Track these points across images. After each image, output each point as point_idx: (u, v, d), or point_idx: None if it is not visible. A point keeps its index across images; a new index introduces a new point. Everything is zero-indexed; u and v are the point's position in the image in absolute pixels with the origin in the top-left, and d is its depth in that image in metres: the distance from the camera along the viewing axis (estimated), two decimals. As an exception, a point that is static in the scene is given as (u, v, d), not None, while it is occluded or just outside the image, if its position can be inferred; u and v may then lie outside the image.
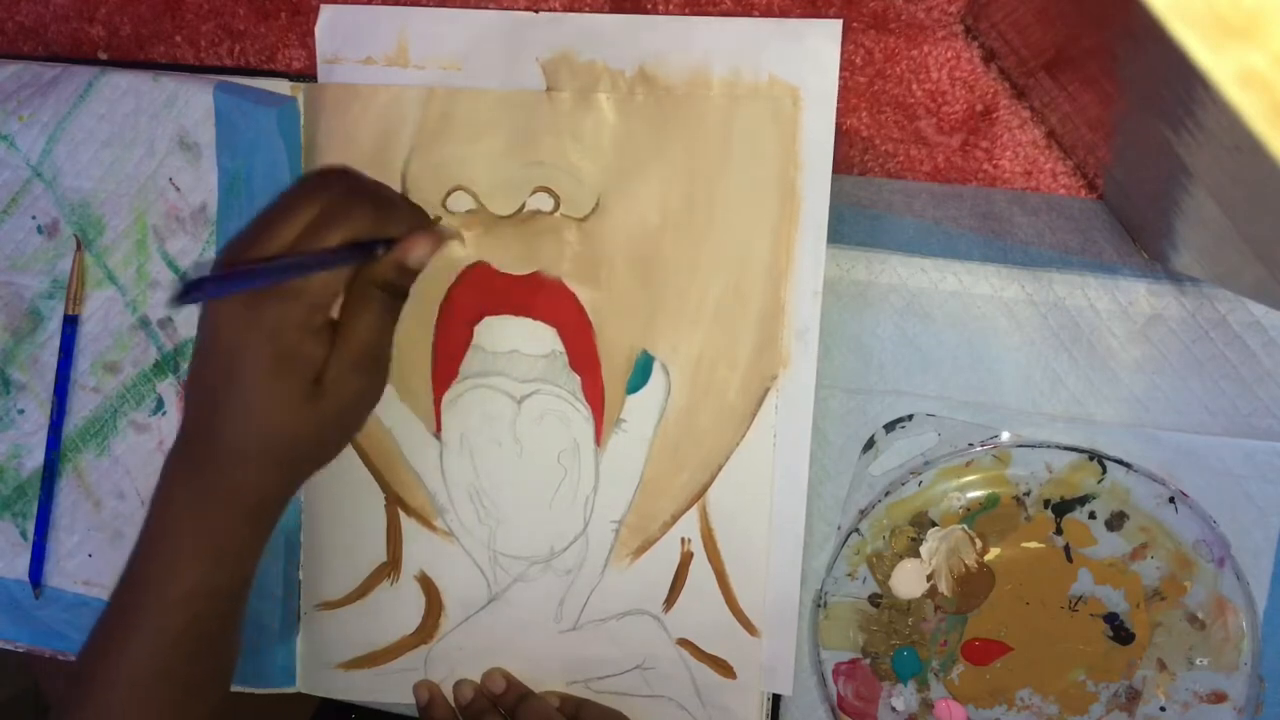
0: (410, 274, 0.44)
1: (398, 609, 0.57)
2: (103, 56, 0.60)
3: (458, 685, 0.57)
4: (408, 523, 0.56)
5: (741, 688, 0.54)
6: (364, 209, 0.42)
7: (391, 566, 0.57)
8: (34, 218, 0.59)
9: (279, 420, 0.41)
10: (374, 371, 0.43)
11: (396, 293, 0.44)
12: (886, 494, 0.52)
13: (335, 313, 0.43)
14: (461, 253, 0.49)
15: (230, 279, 0.40)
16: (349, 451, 0.56)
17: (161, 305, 0.58)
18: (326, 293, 0.41)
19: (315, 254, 0.40)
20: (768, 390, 0.51)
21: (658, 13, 0.52)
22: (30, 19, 0.61)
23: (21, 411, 0.60)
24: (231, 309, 0.40)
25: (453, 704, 0.57)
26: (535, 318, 0.53)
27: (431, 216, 0.46)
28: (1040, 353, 0.50)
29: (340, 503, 0.57)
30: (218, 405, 0.41)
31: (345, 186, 0.43)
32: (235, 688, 0.57)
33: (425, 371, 0.55)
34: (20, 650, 0.62)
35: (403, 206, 0.44)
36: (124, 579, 0.44)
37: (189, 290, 0.39)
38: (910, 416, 0.52)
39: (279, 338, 0.40)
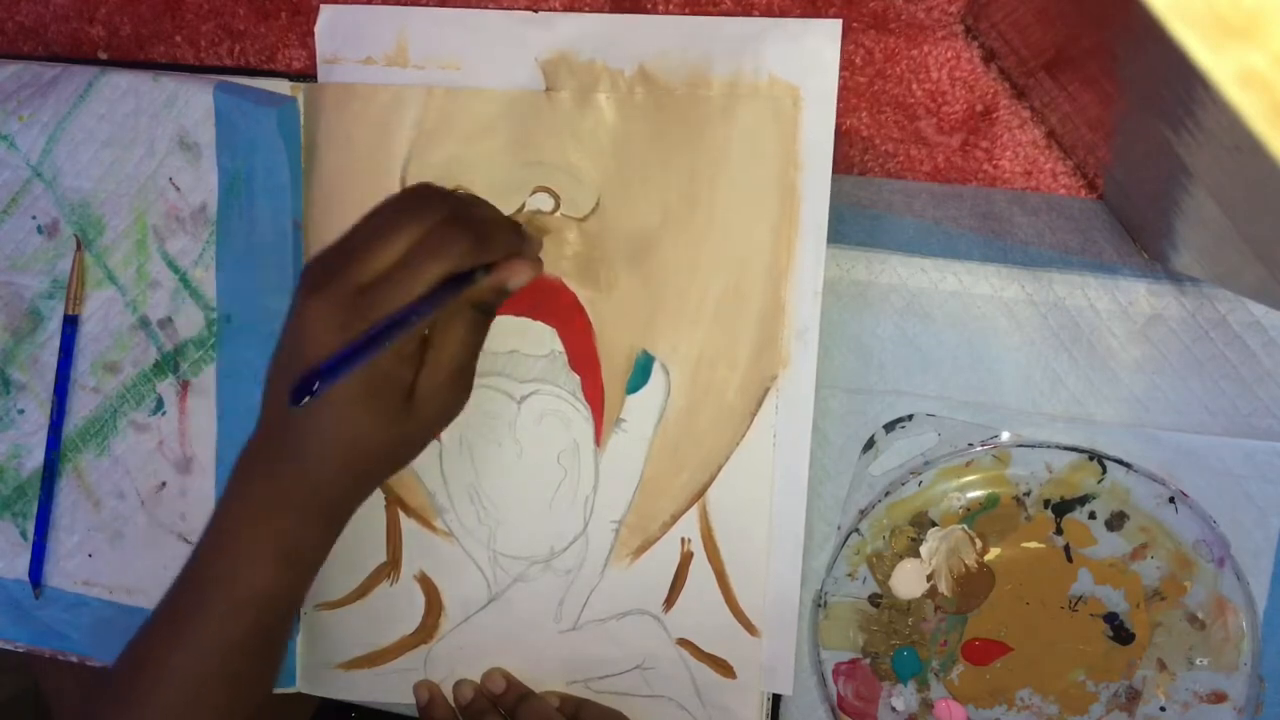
0: (505, 295, 0.43)
1: (398, 609, 0.57)
2: (103, 56, 0.60)
3: (458, 685, 0.57)
4: (407, 523, 0.56)
5: (741, 688, 0.54)
6: (465, 237, 0.41)
7: (391, 566, 0.57)
8: (34, 218, 0.59)
9: (367, 436, 0.41)
10: (462, 387, 0.43)
11: (489, 311, 0.43)
12: (886, 494, 0.52)
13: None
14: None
15: (346, 359, 0.38)
16: None
17: (162, 305, 0.58)
18: (421, 322, 0.40)
19: (419, 304, 0.39)
20: (768, 390, 0.51)
21: (657, 12, 0.52)
22: (30, 19, 0.61)
23: (21, 411, 0.60)
24: (325, 325, 0.39)
25: (453, 704, 0.57)
26: (535, 318, 0.53)
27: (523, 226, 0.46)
28: (1040, 353, 0.50)
29: None
30: (304, 419, 0.41)
31: (448, 211, 0.42)
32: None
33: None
34: (20, 650, 0.62)
35: (503, 228, 0.43)
36: (186, 576, 0.44)
37: (304, 390, 0.37)
38: (910, 416, 0.52)
39: (372, 367, 0.39)
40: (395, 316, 0.39)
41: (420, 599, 0.57)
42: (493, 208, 0.44)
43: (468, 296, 0.41)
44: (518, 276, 0.42)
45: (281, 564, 0.43)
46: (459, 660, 0.57)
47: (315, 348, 0.39)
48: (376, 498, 0.56)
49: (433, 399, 0.42)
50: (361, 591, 0.57)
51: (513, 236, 0.43)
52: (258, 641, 0.44)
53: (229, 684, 0.44)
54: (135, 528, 0.59)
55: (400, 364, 0.41)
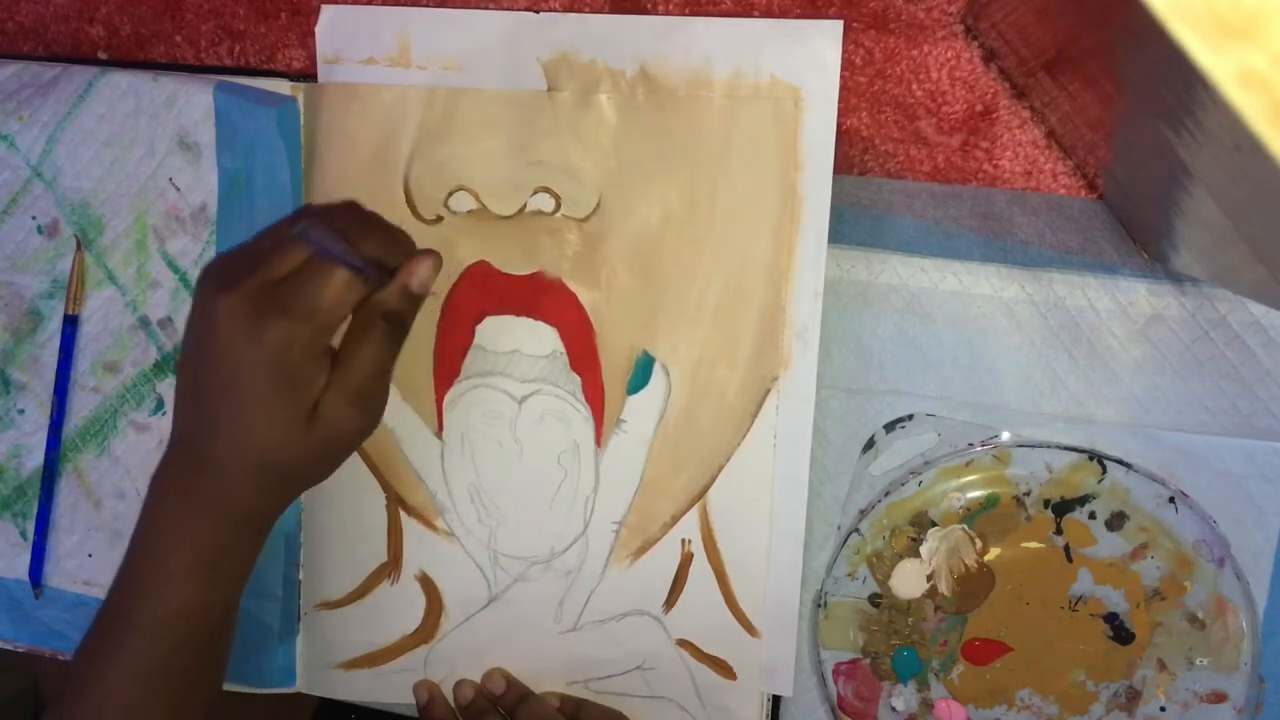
0: (414, 303, 0.43)
1: (398, 609, 0.57)
2: (103, 56, 0.60)
3: (458, 685, 0.57)
4: (408, 522, 0.56)
5: (742, 688, 0.54)
6: (371, 233, 0.41)
7: (392, 566, 0.57)
8: (34, 218, 0.59)
9: (273, 441, 0.41)
10: (371, 406, 0.43)
11: (399, 324, 0.43)
12: (886, 494, 0.52)
13: (335, 341, 0.42)
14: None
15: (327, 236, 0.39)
16: None
17: (162, 305, 0.58)
18: (335, 316, 0.40)
19: (354, 254, 0.40)
20: (768, 390, 0.51)
21: (658, 13, 0.52)
22: (30, 19, 0.61)
23: (21, 411, 0.60)
24: (236, 321, 0.39)
25: (453, 704, 0.57)
26: (536, 318, 0.53)
27: (434, 217, 0.46)
28: (1040, 353, 0.50)
29: (341, 502, 0.57)
30: (211, 417, 0.41)
31: (349, 215, 0.42)
32: (236, 688, 0.57)
33: (427, 370, 0.55)
34: (21, 650, 0.62)
35: (401, 233, 0.44)
36: (114, 592, 0.44)
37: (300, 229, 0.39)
38: (910, 416, 0.52)
39: (283, 356, 0.39)
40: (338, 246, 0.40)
41: (421, 599, 0.57)
42: (381, 217, 0.44)
43: (376, 304, 0.41)
44: (422, 272, 0.42)
45: (204, 576, 0.43)
46: (459, 660, 0.57)
47: (230, 345, 0.39)
48: (377, 497, 0.56)
49: (339, 412, 0.41)
50: (362, 591, 0.57)
51: (409, 240, 0.43)
52: (185, 657, 0.43)
53: (163, 699, 0.43)
54: (135, 528, 0.59)
55: (309, 362, 0.40)
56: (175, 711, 0.44)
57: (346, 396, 0.41)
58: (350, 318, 0.42)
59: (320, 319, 0.40)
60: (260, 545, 0.45)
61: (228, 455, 0.41)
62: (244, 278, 0.40)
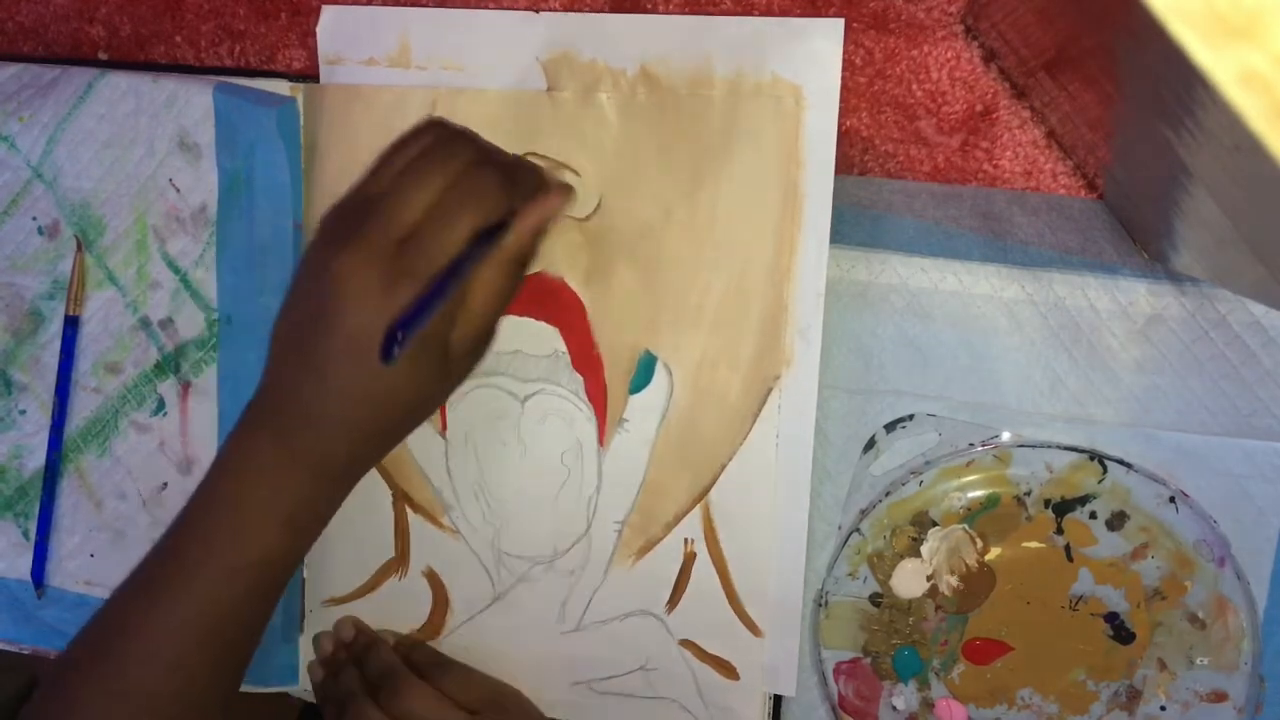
0: (538, 240, 0.41)
1: (405, 604, 0.57)
2: (103, 57, 0.60)
3: (318, 637, 0.57)
4: (415, 519, 0.56)
5: (744, 688, 0.54)
6: (495, 181, 0.39)
7: (400, 562, 0.57)
8: (34, 218, 0.59)
9: (404, 396, 0.40)
10: (491, 336, 0.42)
11: (522, 262, 0.41)
12: (887, 494, 0.52)
13: None
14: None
15: (423, 310, 0.38)
16: None
17: (162, 306, 0.58)
18: (471, 271, 0.39)
19: (467, 252, 0.38)
20: (770, 390, 0.51)
21: (658, 12, 0.52)
22: (30, 19, 0.61)
23: (23, 412, 0.60)
24: (361, 284, 0.37)
25: (319, 657, 0.57)
26: (538, 318, 0.53)
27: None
28: (1040, 353, 0.50)
29: (347, 499, 0.57)
30: (328, 379, 0.39)
31: (473, 153, 0.40)
32: (237, 687, 0.57)
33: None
34: (25, 651, 0.62)
35: (524, 167, 0.42)
36: (173, 540, 0.42)
37: (392, 346, 0.37)
38: (911, 416, 0.52)
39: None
40: (450, 267, 0.38)
41: (428, 595, 0.57)
42: (502, 150, 0.42)
43: (506, 249, 0.40)
44: (551, 208, 0.40)
45: (287, 528, 0.41)
46: (464, 659, 0.57)
47: (359, 306, 0.37)
48: (384, 494, 0.56)
49: (467, 353, 0.41)
50: (370, 586, 0.57)
51: (532, 170, 0.42)
52: (250, 608, 0.42)
53: (214, 652, 0.42)
54: (137, 528, 0.59)
55: (443, 322, 0.39)
56: (221, 669, 0.43)
57: (471, 339, 0.40)
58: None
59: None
60: (342, 500, 0.43)
61: (336, 413, 0.40)
62: (365, 232, 0.38)
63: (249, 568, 0.41)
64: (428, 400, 0.42)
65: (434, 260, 0.38)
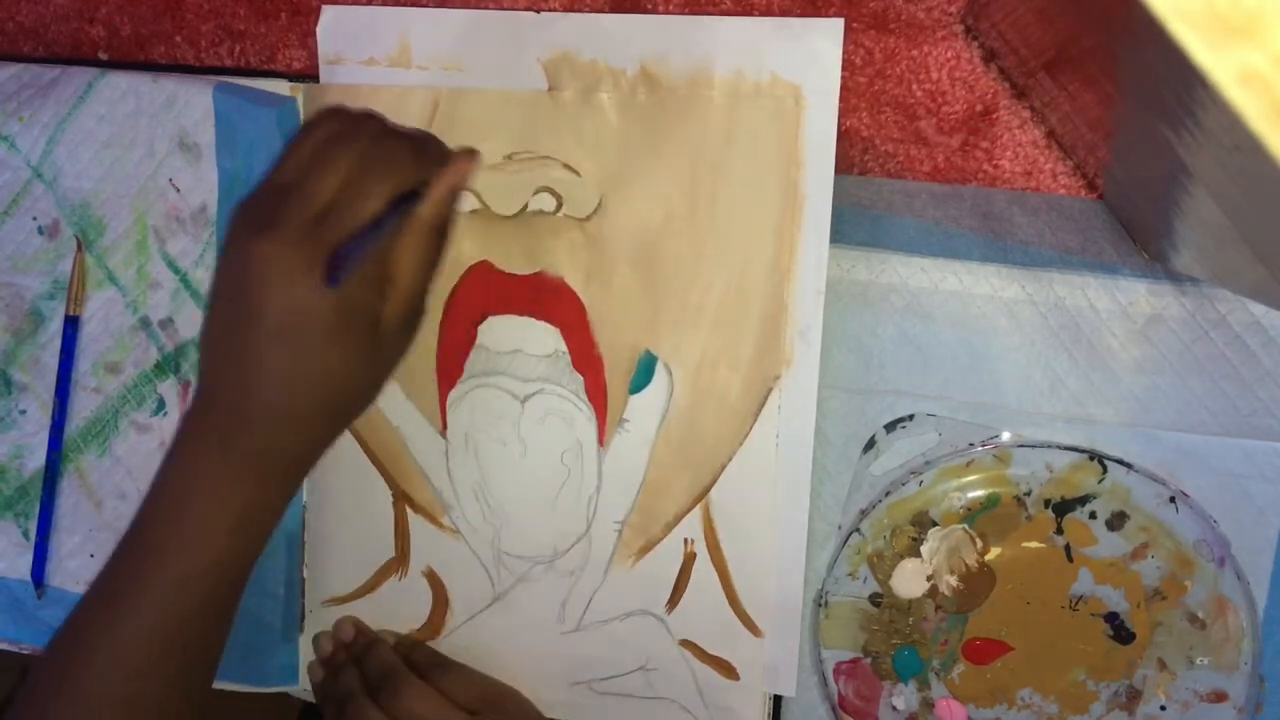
0: (452, 208, 0.41)
1: (406, 604, 0.57)
2: (103, 57, 0.60)
3: (318, 638, 0.57)
4: (415, 519, 0.56)
5: (744, 689, 0.54)
6: (403, 149, 0.40)
7: (400, 561, 0.57)
8: (35, 218, 0.59)
9: (341, 376, 0.39)
10: (419, 318, 0.42)
11: (441, 231, 0.41)
12: (887, 494, 0.52)
13: None
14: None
15: (353, 254, 0.38)
16: (355, 448, 0.56)
17: (162, 306, 0.58)
18: (384, 244, 0.39)
19: (388, 216, 0.39)
20: (770, 390, 0.51)
21: (658, 12, 0.52)
22: (30, 19, 0.61)
23: (23, 412, 0.60)
24: (283, 266, 0.37)
25: (319, 657, 0.57)
26: (538, 318, 0.53)
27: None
28: (1040, 353, 0.50)
29: (347, 499, 0.57)
30: (258, 368, 0.39)
31: (376, 128, 0.41)
32: (237, 687, 0.57)
33: (430, 370, 0.55)
34: (25, 652, 0.62)
35: (428, 138, 0.42)
36: (126, 550, 0.42)
37: (334, 275, 0.37)
38: (911, 416, 0.52)
39: (347, 294, 0.38)
40: (377, 227, 0.38)
41: (428, 594, 0.57)
42: (415, 127, 0.42)
43: (422, 216, 0.40)
44: (462, 173, 0.40)
45: (234, 531, 0.41)
46: (464, 659, 0.57)
47: (284, 286, 0.37)
48: (384, 494, 0.56)
49: (399, 329, 0.40)
50: (371, 586, 0.57)
51: (438, 143, 0.42)
52: (207, 613, 0.42)
53: (175, 660, 0.42)
54: (136, 528, 0.59)
55: (370, 291, 0.39)
56: (186, 674, 0.43)
57: (400, 318, 0.40)
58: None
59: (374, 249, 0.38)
60: (291, 495, 0.43)
61: (275, 403, 0.39)
62: (280, 217, 0.38)
63: (200, 574, 0.41)
64: (365, 381, 0.41)
65: (348, 231, 0.38)
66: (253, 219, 0.39)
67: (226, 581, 0.42)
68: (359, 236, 0.38)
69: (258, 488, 0.41)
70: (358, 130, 0.40)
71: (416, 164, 0.40)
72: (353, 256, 0.38)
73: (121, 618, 0.41)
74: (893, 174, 0.52)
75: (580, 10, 0.53)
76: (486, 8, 0.54)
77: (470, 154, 0.41)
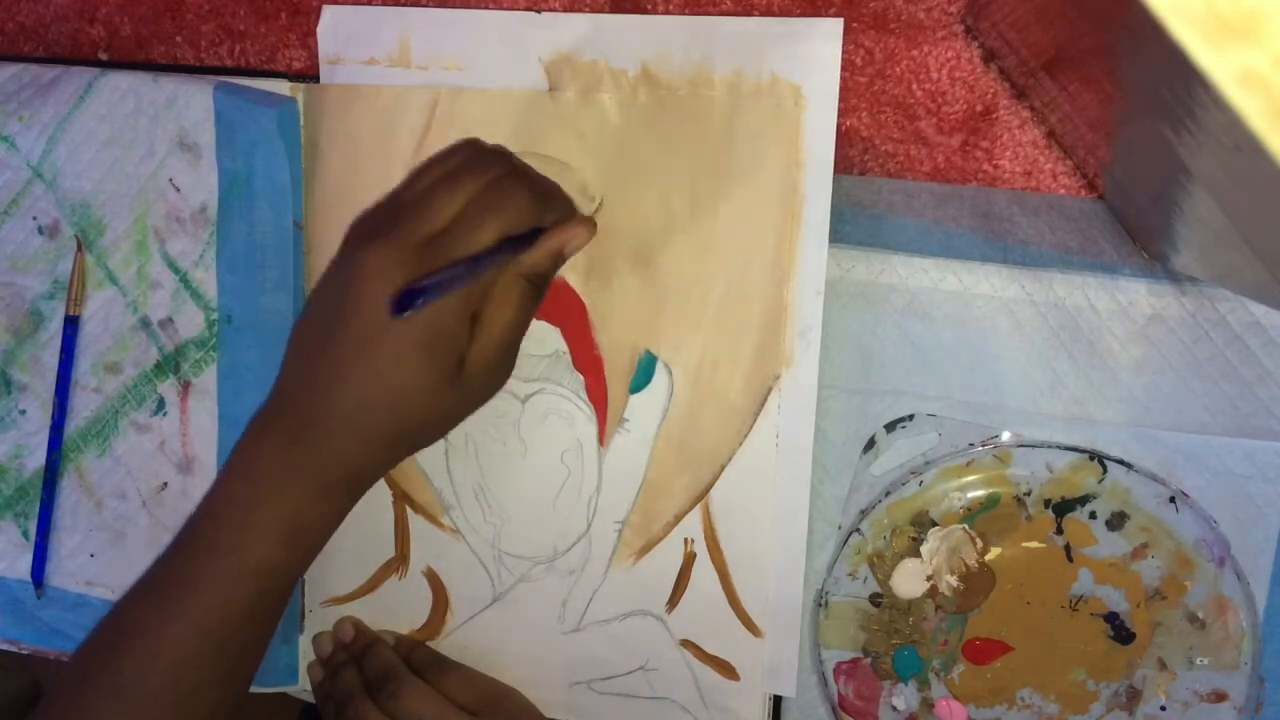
0: (558, 264, 0.42)
1: (406, 604, 0.57)
2: (103, 57, 0.60)
3: (317, 638, 0.58)
4: (415, 519, 0.57)
5: (744, 689, 0.54)
6: (524, 193, 0.40)
7: (400, 561, 0.57)
8: (35, 218, 0.59)
9: (416, 399, 0.40)
10: (507, 365, 0.42)
11: (541, 284, 0.42)
12: (887, 494, 0.52)
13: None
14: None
15: (437, 289, 0.38)
16: None
17: (162, 306, 0.58)
18: (484, 278, 0.40)
19: (488, 254, 0.39)
20: (770, 390, 0.51)
21: (658, 12, 0.52)
22: (30, 19, 0.61)
23: (23, 412, 0.60)
24: (387, 276, 0.38)
25: (320, 657, 0.58)
26: (538, 317, 0.53)
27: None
28: (1040, 353, 0.50)
29: None
30: (343, 376, 0.39)
31: (506, 167, 0.41)
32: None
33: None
34: (25, 651, 0.62)
35: (556, 191, 0.42)
36: (180, 547, 0.42)
37: (405, 303, 0.37)
38: (911, 416, 0.52)
39: (436, 320, 0.38)
40: (471, 258, 0.39)
41: (428, 594, 0.57)
42: (546, 178, 0.43)
43: (521, 265, 0.40)
44: (576, 238, 0.41)
45: (288, 536, 0.41)
46: (464, 659, 0.57)
47: (381, 295, 0.38)
48: (383, 494, 0.56)
49: (482, 370, 0.41)
50: (370, 586, 0.58)
51: (565, 199, 0.42)
52: (255, 615, 0.42)
53: (218, 657, 0.42)
54: (137, 528, 0.59)
55: (458, 323, 0.39)
56: (227, 675, 0.43)
57: (488, 358, 0.40)
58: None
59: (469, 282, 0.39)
60: (348, 511, 0.43)
61: (347, 416, 0.40)
62: (394, 229, 0.39)
63: (251, 574, 0.41)
64: (438, 413, 0.41)
65: (454, 257, 0.39)
66: (368, 228, 0.40)
67: (275, 588, 0.42)
68: (452, 267, 0.38)
69: (312, 496, 0.41)
70: (487, 162, 0.41)
71: (536, 209, 0.40)
72: (437, 287, 0.38)
73: (169, 611, 0.41)
74: (893, 174, 0.52)
75: (580, 10, 0.53)
76: (486, 8, 0.54)
77: (590, 222, 0.41)
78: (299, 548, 0.42)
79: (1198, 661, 0.51)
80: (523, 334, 0.42)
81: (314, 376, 0.40)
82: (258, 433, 0.42)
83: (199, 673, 0.42)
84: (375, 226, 0.40)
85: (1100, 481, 0.51)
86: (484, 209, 0.39)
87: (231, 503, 0.42)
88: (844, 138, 0.51)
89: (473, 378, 0.41)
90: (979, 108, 0.50)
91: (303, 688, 0.59)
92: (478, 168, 0.41)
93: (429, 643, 0.57)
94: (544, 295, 0.42)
